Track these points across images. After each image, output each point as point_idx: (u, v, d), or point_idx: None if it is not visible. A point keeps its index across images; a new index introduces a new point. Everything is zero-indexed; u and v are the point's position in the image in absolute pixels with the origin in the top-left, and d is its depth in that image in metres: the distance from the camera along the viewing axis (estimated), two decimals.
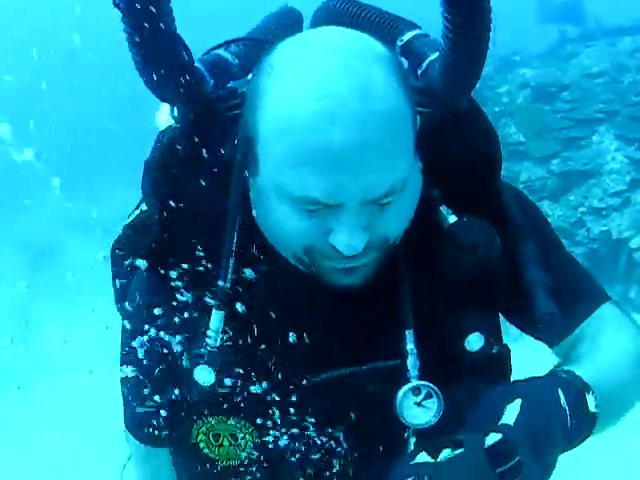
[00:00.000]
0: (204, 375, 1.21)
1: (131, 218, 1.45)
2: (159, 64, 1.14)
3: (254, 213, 1.23)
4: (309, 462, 1.35)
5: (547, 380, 1.17)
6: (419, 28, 1.40)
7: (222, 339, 1.21)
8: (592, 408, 1.16)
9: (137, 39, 1.10)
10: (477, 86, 1.18)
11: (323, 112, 1.04)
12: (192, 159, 1.24)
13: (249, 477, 1.37)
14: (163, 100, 1.25)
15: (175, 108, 1.26)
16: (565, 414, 1.12)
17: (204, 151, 1.23)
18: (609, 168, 7.92)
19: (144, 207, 1.39)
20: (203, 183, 1.24)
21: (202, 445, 1.34)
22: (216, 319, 1.22)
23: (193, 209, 1.24)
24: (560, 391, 1.13)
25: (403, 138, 1.11)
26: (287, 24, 1.60)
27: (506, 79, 9.20)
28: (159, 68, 1.14)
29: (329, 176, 1.05)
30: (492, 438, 1.04)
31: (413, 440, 1.35)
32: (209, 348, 1.20)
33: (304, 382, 1.29)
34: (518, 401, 1.09)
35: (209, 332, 1.20)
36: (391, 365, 1.28)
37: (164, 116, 1.37)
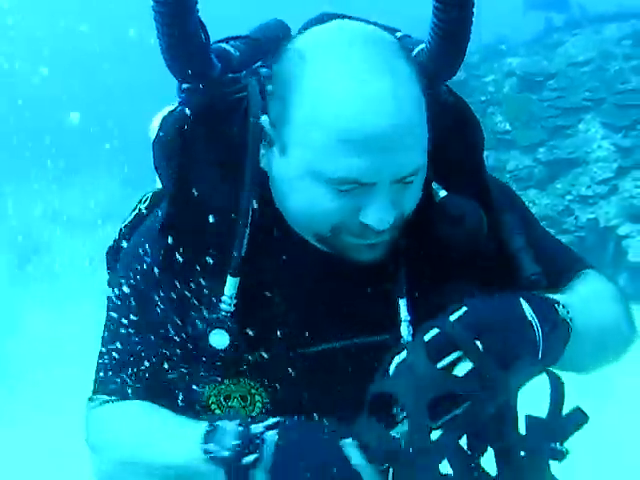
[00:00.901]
0: (219, 339, 1.26)
1: (129, 219, 1.52)
2: (182, 42, 1.24)
3: (273, 193, 1.29)
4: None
5: (504, 294, 1.20)
6: (399, 31, 1.50)
7: (236, 304, 1.26)
8: (563, 315, 1.20)
9: (165, 18, 1.21)
10: (463, 75, 1.26)
11: (363, 99, 1.13)
12: (203, 135, 1.31)
13: None
14: (178, 76, 1.31)
15: (181, 88, 1.35)
16: (526, 319, 1.13)
17: (214, 129, 1.31)
18: (596, 156, 7.94)
19: (142, 207, 1.49)
20: (215, 162, 1.31)
21: (213, 407, 1.39)
22: (230, 285, 1.27)
23: (206, 185, 1.30)
24: (522, 300, 1.16)
25: (424, 120, 1.21)
26: (277, 34, 1.64)
27: (492, 68, 9.19)
28: (182, 46, 1.24)
29: (369, 158, 1.14)
30: (429, 335, 1.09)
31: (403, 414, 1.38)
32: (223, 313, 1.25)
33: (303, 351, 1.35)
34: (464, 307, 1.14)
35: (223, 297, 1.26)
36: (387, 338, 1.34)
37: (155, 125, 1.47)
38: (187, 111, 1.33)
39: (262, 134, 1.27)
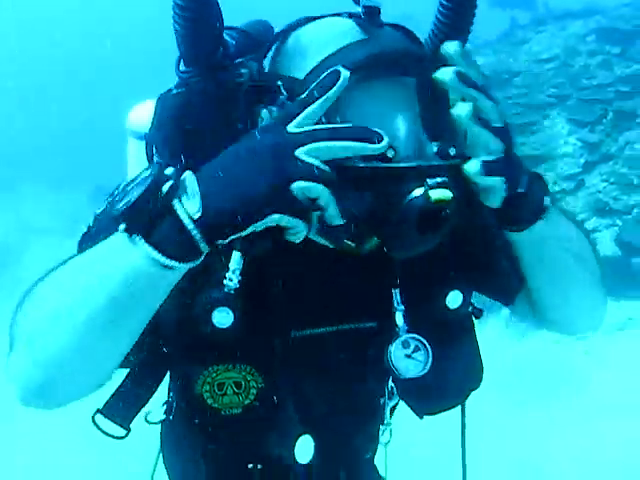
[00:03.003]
0: (223, 316, 1.22)
1: (102, 207, 1.41)
2: (203, 24, 1.27)
3: None
4: (305, 414, 1.42)
5: None
6: None
7: (240, 281, 1.21)
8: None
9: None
10: None
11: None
12: (208, 114, 1.31)
13: (249, 426, 1.41)
14: (188, 59, 1.34)
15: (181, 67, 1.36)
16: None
17: (219, 110, 1.31)
18: (562, 152, 7.96)
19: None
20: (219, 142, 1.25)
21: (206, 395, 1.37)
22: (235, 260, 1.21)
23: (206, 160, 1.26)
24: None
25: None
26: (263, 31, 1.65)
27: None
28: (200, 36, 1.28)
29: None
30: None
31: (390, 404, 1.48)
32: (226, 290, 1.20)
33: (298, 334, 1.36)
34: None
35: (228, 274, 1.20)
36: (377, 325, 1.37)
37: (139, 114, 1.49)
38: (185, 90, 1.34)
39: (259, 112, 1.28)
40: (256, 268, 1.23)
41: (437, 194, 1.08)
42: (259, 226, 1.04)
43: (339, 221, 1.07)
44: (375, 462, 1.73)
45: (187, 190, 1.05)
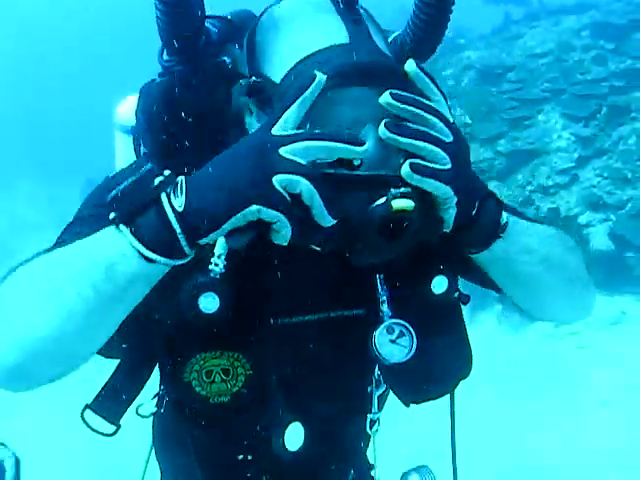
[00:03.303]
0: (209, 302, 1.22)
1: None
2: (183, 22, 1.29)
3: None
4: (294, 402, 1.41)
5: None
6: None
7: (225, 266, 1.18)
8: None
9: None
10: None
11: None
12: (190, 101, 1.33)
13: (238, 413, 1.40)
14: (170, 47, 1.35)
15: (164, 55, 1.38)
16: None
17: (200, 96, 1.34)
18: (556, 146, 7.95)
19: None
20: (201, 127, 1.32)
21: (194, 383, 1.36)
22: (220, 245, 1.18)
23: (192, 150, 1.30)
24: None
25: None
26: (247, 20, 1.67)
27: (451, 62, 9.19)
28: (182, 25, 1.30)
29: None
30: None
31: (377, 394, 1.47)
32: (212, 275, 1.18)
33: (285, 320, 1.37)
34: None
35: (213, 259, 1.17)
36: (364, 312, 1.38)
37: (125, 108, 1.51)
38: (168, 79, 1.35)
39: (245, 104, 1.29)
40: (243, 254, 1.21)
41: (399, 204, 1.10)
42: (240, 219, 1.06)
43: (328, 221, 1.08)
44: (367, 451, 1.73)
45: (177, 187, 1.08)
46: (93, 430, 1.40)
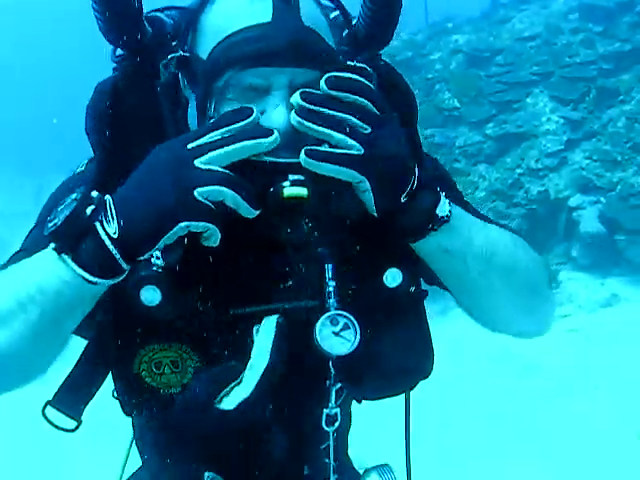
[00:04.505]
0: (150, 295, 1.23)
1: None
2: (116, 6, 1.27)
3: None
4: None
5: None
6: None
7: (167, 260, 1.22)
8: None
9: None
10: (410, 54, 1.23)
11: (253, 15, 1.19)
12: (133, 97, 1.34)
13: (188, 404, 1.39)
14: (111, 40, 1.33)
15: (115, 52, 1.37)
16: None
17: (143, 91, 1.35)
18: (545, 129, 7.92)
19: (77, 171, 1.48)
20: (145, 123, 1.34)
21: (144, 374, 1.37)
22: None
23: (136, 145, 1.28)
24: None
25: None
26: None
27: (438, 46, 9.14)
28: (116, 11, 1.27)
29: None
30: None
31: (335, 388, 1.41)
32: (154, 268, 1.22)
33: (234, 312, 1.34)
34: None
35: (156, 252, 1.21)
36: (313, 305, 1.33)
37: None
38: (117, 74, 1.35)
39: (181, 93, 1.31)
40: (191, 246, 1.22)
41: (290, 191, 1.15)
42: (171, 236, 1.11)
43: (254, 213, 1.14)
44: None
45: (107, 212, 1.12)
46: (55, 426, 1.39)
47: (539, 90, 8.32)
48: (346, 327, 1.28)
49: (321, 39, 1.21)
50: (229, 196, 1.10)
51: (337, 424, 1.46)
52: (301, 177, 1.15)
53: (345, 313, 1.28)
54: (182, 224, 1.09)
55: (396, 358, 1.39)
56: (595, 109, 8.05)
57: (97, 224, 1.12)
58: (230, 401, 1.32)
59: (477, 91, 8.34)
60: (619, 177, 7.32)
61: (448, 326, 5.39)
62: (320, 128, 1.12)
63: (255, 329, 1.32)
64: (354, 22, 1.38)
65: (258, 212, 1.14)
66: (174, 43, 1.35)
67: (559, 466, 4.60)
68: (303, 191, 1.15)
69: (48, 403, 1.40)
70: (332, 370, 1.37)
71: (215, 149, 1.10)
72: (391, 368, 1.39)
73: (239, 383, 1.32)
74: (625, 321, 6.32)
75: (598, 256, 6.80)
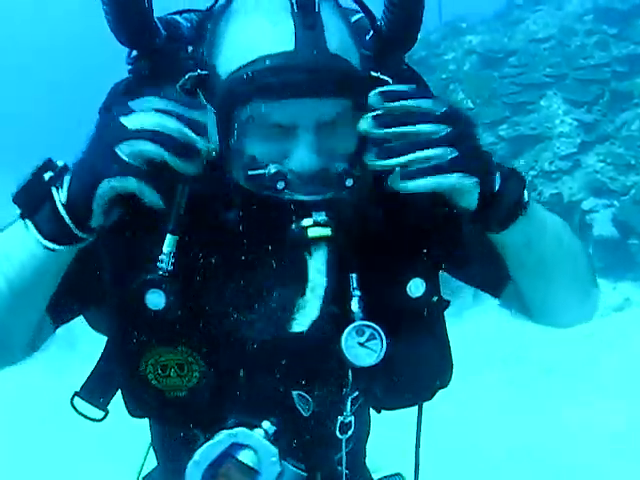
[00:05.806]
0: (155, 299, 1.24)
1: None
2: (125, 7, 1.26)
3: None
4: (258, 400, 1.38)
5: None
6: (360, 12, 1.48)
7: (174, 264, 1.24)
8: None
9: None
10: (424, 54, 1.22)
11: (271, 42, 1.15)
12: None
13: (194, 408, 1.39)
14: (122, 41, 1.32)
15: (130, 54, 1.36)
16: None
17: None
18: (558, 131, 7.89)
19: None
20: None
21: (150, 377, 1.37)
22: (169, 243, 1.25)
23: None
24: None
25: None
26: None
27: (452, 46, 9.11)
28: (124, 11, 1.26)
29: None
30: None
31: (352, 397, 1.40)
32: (161, 272, 1.23)
33: (241, 317, 1.32)
34: None
35: (161, 256, 1.24)
36: (339, 311, 1.29)
37: None
38: (130, 76, 1.35)
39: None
40: (195, 247, 1.25)
41: (314, 232, 1.18)
42: (102, 197, 1.10)
43: (186, 168, 1.12)
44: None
45: (64, 179, 1.14)
46: (83, 416, 1.44)
47: (553, 92, 8.28)
48: (372, 337, 1.27)
49: (348, 63, 1.18)
50: (155, 152, 1.09)
51: (351, 432, 1.45)
52: (324, 217, 1.18)
53: (371, 324, 1.27)
54: (105, 183, 1.09)
55: (418, 369, 1.39)
56: (609, 112, 8.01)
57: (53, 189, 1.14)
58: (301, 323, 1.28)
59: (491, 92, 8.31)
60: (633, 181, 7.30)
61: (463, 327, 5.42)
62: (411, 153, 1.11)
63: (306, 254, 1.27)
64: (377, 24, 1.35)
65: (193, 167, 1.14)
66: (190, 48, 1.35)
67: (573, 469, 4.60)
68: (327, 231, 1.17)
69: (76, 394, 1.44)
70: (350, 378, 1.37)
71: (142, 139, 1.09)
72: (412, 380, 1.39)
73: (304, 307, 1.28)
74: (638, 325, 6.31)
75: (611, 260, 6.78)
